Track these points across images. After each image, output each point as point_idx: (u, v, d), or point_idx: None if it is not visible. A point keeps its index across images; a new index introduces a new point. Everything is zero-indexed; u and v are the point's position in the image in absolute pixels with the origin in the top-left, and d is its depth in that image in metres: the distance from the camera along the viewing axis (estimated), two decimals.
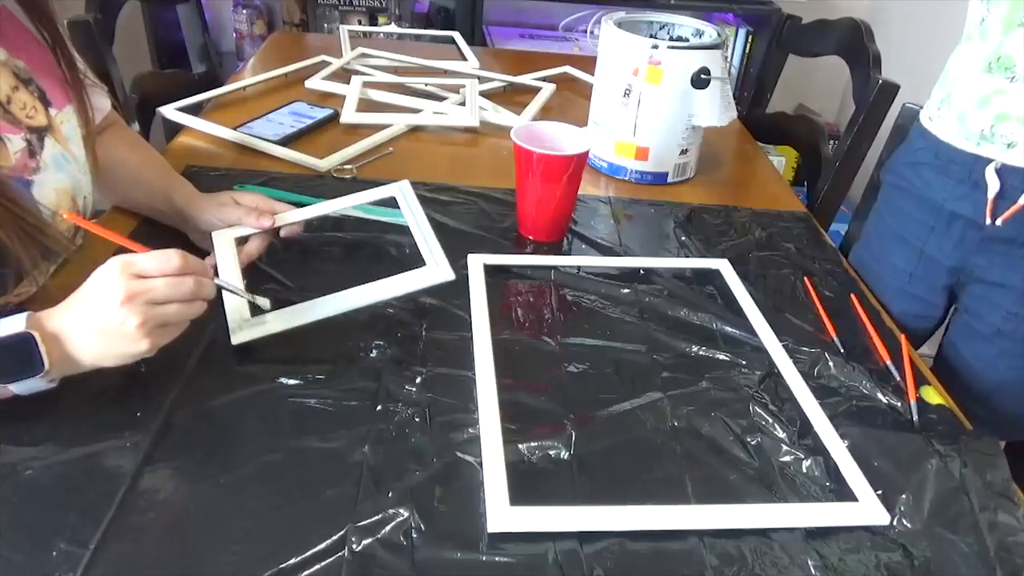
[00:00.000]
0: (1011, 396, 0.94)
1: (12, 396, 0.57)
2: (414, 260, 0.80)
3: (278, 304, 0.72)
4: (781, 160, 2.08)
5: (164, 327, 0.59)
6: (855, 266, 1.04)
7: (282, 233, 0.81)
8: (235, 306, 0.72)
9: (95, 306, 0.57)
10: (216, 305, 0.71)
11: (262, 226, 0.79)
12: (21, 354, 0.55)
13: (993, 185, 0.87)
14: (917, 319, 1.01)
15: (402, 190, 0.83)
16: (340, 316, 0.73)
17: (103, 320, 0.56)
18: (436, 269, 0.76)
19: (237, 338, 0.69)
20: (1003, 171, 0.87)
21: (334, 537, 0.53)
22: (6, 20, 0.70)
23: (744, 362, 0.75)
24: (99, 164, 0.77)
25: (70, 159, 0.73)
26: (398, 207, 0.85)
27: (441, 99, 1.29)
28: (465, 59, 1.51)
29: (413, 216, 0.81)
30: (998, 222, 0.88)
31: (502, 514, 0.56)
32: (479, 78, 1.38)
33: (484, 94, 1.33)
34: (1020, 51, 0.84)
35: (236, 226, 0.80)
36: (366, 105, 1.25)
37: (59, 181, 0.71)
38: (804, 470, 0.63)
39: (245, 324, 0.70)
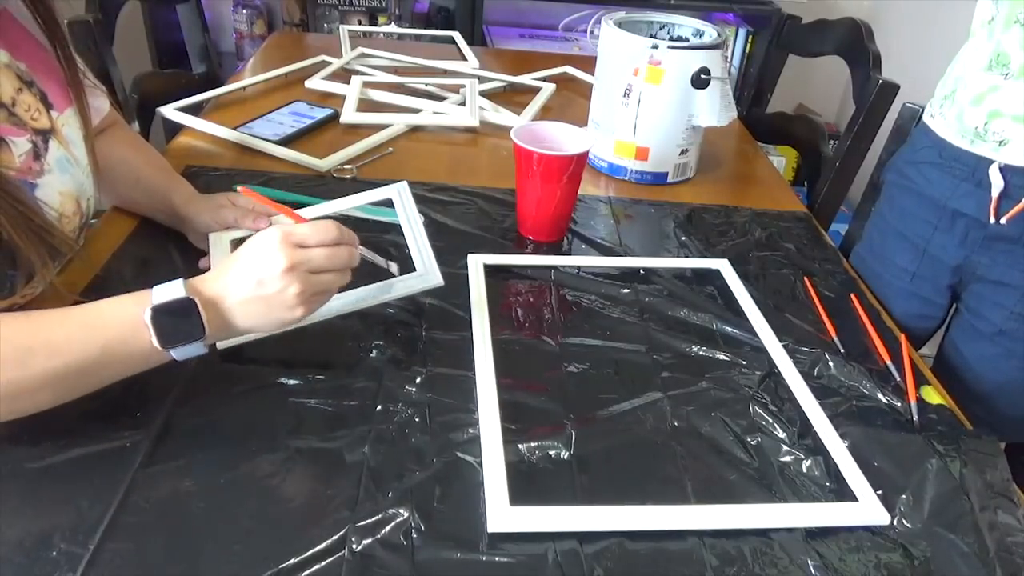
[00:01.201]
0: (1013, 396, 0.94)
1: (171, 360, 0.58)
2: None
3: None
4: (781, 160, 2.08)
5: (318, 295, 0.61)
6: (857, 266, 1.04)
7: None
8: None
9: (257, 274, 0.58)
10: None
11: (258, 227, 0.79)
12: (183, 319, 0.57)
13: (997, 184, 0.87)
14: (919, 319, 1.01)
15: (400, 192, 0.83)
16: (339, 317, 0.73)
17: (264, 288, 0.58)
18: (425, 276, 0.75)
19: (223, 343, 0.69)
20: (1007, 170, 0.87)
21: (334, 537, 0.53)
22: (7, 22, 0.70)
23: (744, 362, 0.75)
24: (99, 165, 0.77)
25: (73, 162, 0.73)
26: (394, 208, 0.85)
27: (441, 99, 1.29)
28: (465, 59, 1.51)
29: (408, 219, 0.80)
30: (1002, 221, 0.88)
31: (502, 514, 0.56)
32: (479, 78, 1.38)
33: (484, 94, 1.33)
34: (1015, 48, 0.85)
35: (233, 228, 0.80)
36: (366, 105, 1.25)
37: (64, 184, 0.71)
38: (804, 470, 0.63)
39: None
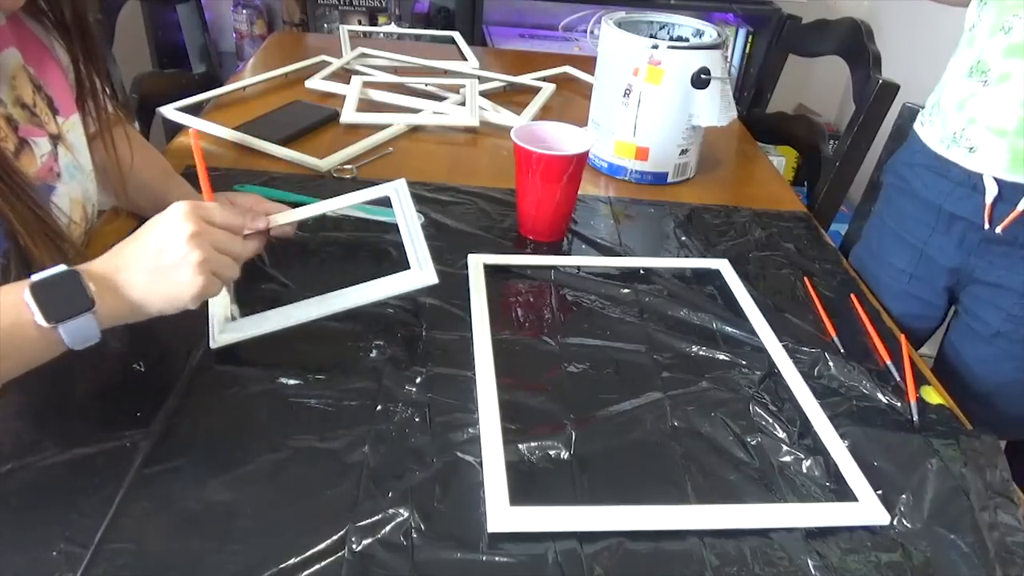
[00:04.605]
0: (1011, 397, 0.94)
1: (65, 351, 0.55)
2: None
3: (273, 305, 0.72)
4: (781, 160, 2.07)
5: (216, 274, 0.59)
6: (855, 267, 1.04)
7: (272, 233, 0.81)
8: (216, 310, 0.71)
9: (158, 240, 0.57)
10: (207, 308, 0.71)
11: (255, 227, 0.79)
12: (66, 289, 0.54)
13: (991, 189, 0.87)
14: (917, 319, 1.01)
15: (397, 189, 0.83)
16: (339, 317, 0.73)
17: (165, 254, 0.57)
18: (420, 274, 0.75)
19: (216, 343, 0.69)
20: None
21: (334, 537, 0.53)
22: (18, 25, 0.69)
23: (744, 362, 0.75)
24: (100, 165, 0.77)
25: (78, 168, 0.73)
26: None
27: (441, 99, 1.29)
28: (465, 59, 1.51)
29: (404, 217, 0.80)
30: (998, 230, 0.88)
31: (502, 514, 0.56)
32: (479, 78, 1.38)
33: (484, 94, 1.33)
34: (996, 56, 0.85)
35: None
36: (366, 105, 1.25)
37: (72, 190, 0.71)
38: (804, 470, 0.63)
39: (226, 328, 0.70)
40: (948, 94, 0.92)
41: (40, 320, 0.53)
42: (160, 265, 0.57)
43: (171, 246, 0.57)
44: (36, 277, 0.53)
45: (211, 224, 0.59)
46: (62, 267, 0.54)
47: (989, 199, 0.87)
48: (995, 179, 0.87)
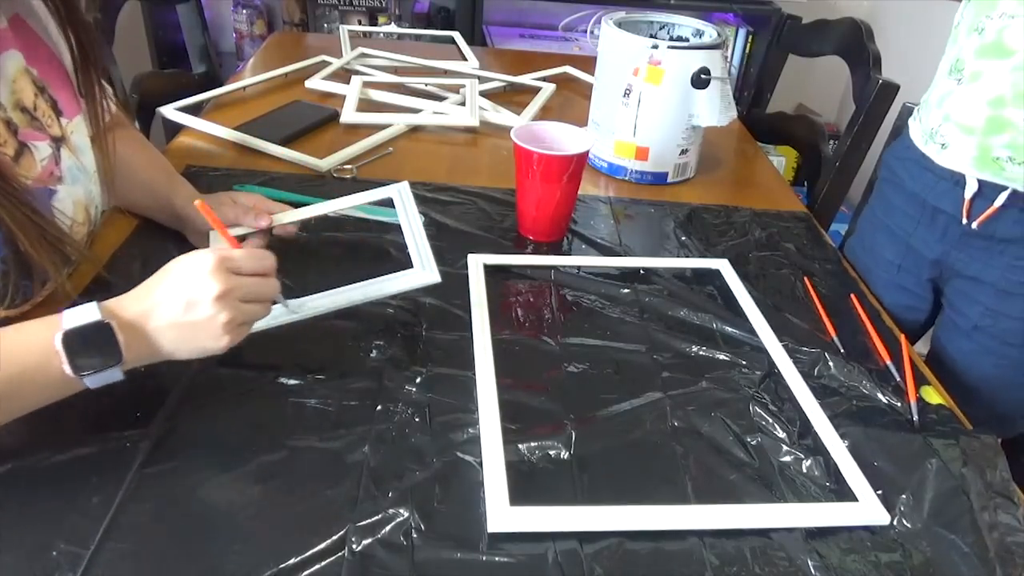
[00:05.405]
0: (992, 391, 0.95)
1: (84, 389, 0.55)
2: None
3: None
4: (781, 160, 2.07)
5: (244, 325, 0.59)
6: (848, 258, 1.04)
7: (275, 232, 0.81)
8: None
9: (186, 297, 0.56)
10: None
11: (258, 226, 0.79)
12: (98, 344, 0.53)
13: (971, 185, 0.88)
14: (907, 311, 1.02)
15: (400, 192, 0.83)
16: (340, 316, 0.73)
17: (193, 313, 0.56)
18: (422, 273, 0.75)
19: None
20: None
21: (334, 537, 0.53)
22: (20, 27, 0.69)
23: (744, 362, 0.75)
24: (101, 164, 0.77)
25: (82, 170, 0.73)
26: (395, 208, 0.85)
27: (441, 99, 1.29)
28: (465, 59, 1.51)
29: (407, 218, 0.80)
30: (973, 225, 0.89)
31: (502, 514, 0.56)
32: (479, 78, 1.38)
33: (484, 94, 1.33)
34: (970, 55, 0.86)
35: (234, 226, 0.80)
36: (366, 105, 1.25)
37: (75, 193, 0.71)
38: (804, 470, 0.63)
39: None
40: (934, 91, 0.94)
41: (68, 371, 0.53)
42: (188, 321, 0.56)
43: (198, 304, 0.56)
44: (69, 324, 0.53)
45: (240, 274, 0.58)
46: (95, 312, 0.53)
47: (968, 194, 0.88)
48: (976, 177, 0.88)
